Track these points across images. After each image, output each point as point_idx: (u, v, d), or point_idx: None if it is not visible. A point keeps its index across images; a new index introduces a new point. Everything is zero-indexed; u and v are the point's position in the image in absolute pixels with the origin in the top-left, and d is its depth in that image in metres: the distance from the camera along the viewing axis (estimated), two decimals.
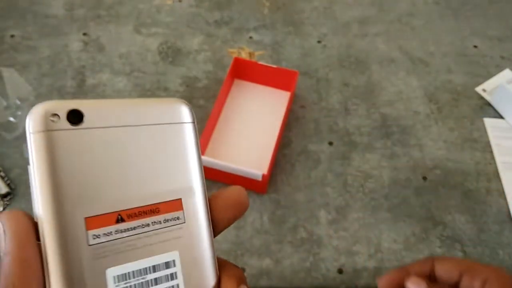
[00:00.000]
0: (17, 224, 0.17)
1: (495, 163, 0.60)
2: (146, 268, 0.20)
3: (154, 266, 0.20)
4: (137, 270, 0.20)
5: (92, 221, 0.19)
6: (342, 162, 0.58)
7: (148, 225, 0.20)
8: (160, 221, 0.21)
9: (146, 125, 0.21)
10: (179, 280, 0.20)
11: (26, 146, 0.18)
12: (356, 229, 0.53)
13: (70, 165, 0.19)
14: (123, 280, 0.19)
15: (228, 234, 0.52)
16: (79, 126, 0.19)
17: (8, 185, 0.52)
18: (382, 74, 0.69)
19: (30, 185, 0.18)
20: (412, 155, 0.60)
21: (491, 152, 0.61)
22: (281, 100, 0.63)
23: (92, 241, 0.19)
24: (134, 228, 0.20)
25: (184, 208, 0.21)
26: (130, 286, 0.19)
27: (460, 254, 0.52)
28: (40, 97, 0.61)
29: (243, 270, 0.49)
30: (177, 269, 0.21)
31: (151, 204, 0.20)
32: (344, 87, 0.66)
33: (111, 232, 0.19)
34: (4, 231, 0.17)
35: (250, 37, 0.71)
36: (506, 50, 0.73)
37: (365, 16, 0.76)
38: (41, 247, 0.18)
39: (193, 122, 0.22)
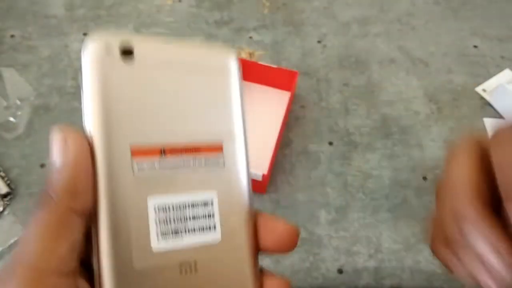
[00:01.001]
0: (80, 139, 0.18)
1: None
2: (185, 202, 0.20)
3: (192, 203, 0.20)
4: (176, 203, 0.20)
5: (137, 150, 0.19)
6: (342, 162, 0.58)
7: (189, 162, 0.21)
8: (200, 160, 0.21)
9: (193, 68, 0.22)
10: (216, 220, 0.21)
11: (81, 74, 0.19)
12: (356, 229, 0.53)
13: (118, 94, 0.19)
14: (163, 211, 0.19)
15: None
16: (130, 63, 0.20)
17: (8, 185, 0.52)
18: (382, 74, 0.69)
19: (82, 109, 0.19)
20: (412, 155, 0.60)
21: None
22: (281, 100, 0.63)
23: (136, 168, 0.19)
24: (176, 163, 0.20)
25: (224, 152, 0.22)
26: (169, 218, 0.20)
27: None
28: (40, 97, 0.61)
29: None
30: (214, 209, 0.21)
31: (193, 143, 0.21)
32: (344, 87, 0.66)
33: (153, 163, 0.20)
34: (66, 142, 0.18)
35: (250, 37, 0.71)
36: (506, 50, 0.73)
37: (365, 16, 0.76)
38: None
39: (239, 71, 0.22)
